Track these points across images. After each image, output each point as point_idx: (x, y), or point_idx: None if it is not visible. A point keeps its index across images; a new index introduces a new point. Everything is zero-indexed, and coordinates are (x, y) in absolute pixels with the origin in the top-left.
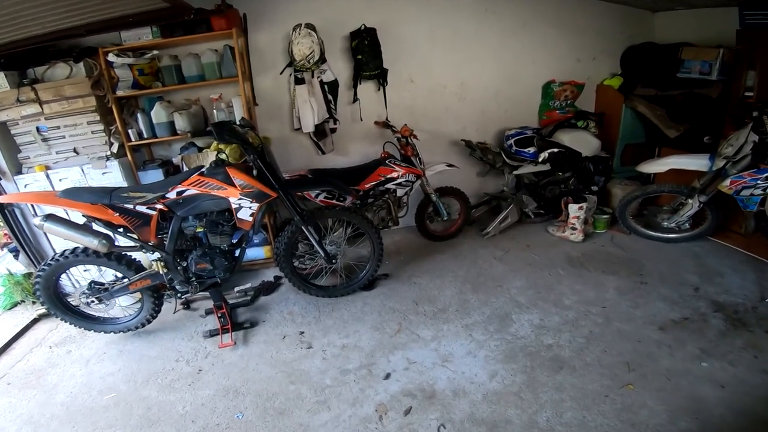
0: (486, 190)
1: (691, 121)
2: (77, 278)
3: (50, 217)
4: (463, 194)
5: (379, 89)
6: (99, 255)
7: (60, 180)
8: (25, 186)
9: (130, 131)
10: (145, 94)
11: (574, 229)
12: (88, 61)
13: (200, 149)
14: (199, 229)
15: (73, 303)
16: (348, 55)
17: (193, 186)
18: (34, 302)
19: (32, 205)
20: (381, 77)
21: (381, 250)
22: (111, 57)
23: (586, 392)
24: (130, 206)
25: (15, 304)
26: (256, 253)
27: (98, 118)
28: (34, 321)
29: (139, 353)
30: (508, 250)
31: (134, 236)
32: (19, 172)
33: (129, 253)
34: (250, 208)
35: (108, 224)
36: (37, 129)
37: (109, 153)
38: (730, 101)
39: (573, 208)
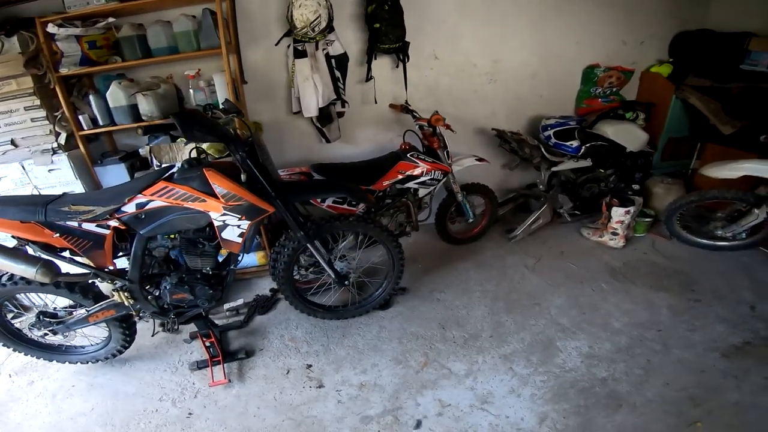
0: (509, 185)
1: (750, 117)
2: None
3: None
4: (491, 192)
5: (397, 66)
6: (42, 283)
7: None
8: None
9: (81, 118)
10: (98, 71)
11: (615, 234)
12: (24, 35)
13: (174, 138)
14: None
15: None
16: (360, 23)
17: (159, 196)
18: None
19: None
20: (401, 51)
21: (402, 265)
22: (51, 28)
23: None
24: (74, 224)
25: None
26: (247, 259)
27: (38, 102)
28: None
29: (114, 389)
30: (540, 257)
31: (83, 262)
32: None
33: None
34: (238, 226)
35: (46, 247)
36: None
37: (55, 145)
38: None
39: (618, 212)
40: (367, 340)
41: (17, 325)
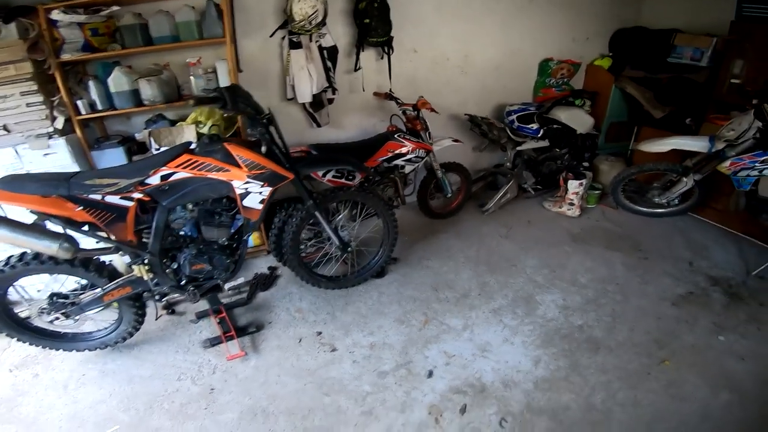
0: (479, 166)
1: (676, 103)
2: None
3: None
4: (465, 170)
5: (382, 58)
6: (58, 262)
7: None
8: None
9: (79, 102)
10: (99, 57)
11: (572, 204)
12: (22, 21)
13: (172, 122)
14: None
15: (28, 318)
16: (348, 18)
17: (183, 168)
18: None
19: None
20: (386, 45)
21: (396, 233)
22: (56, 15)
23: (629, 371)
24: (98, 197)
25: None
26: None
27: (36, 87)
28: None
29: (128, 373)
30: (511, 227)
31: (105, 235)
32: None
33: (98, 257)
34: (260, 193)
35: (68, 221)
36: None
37: (51, 129)
38: (716, 88)
39: (573, 184)
40: (369, 306)
41: (23, 313)
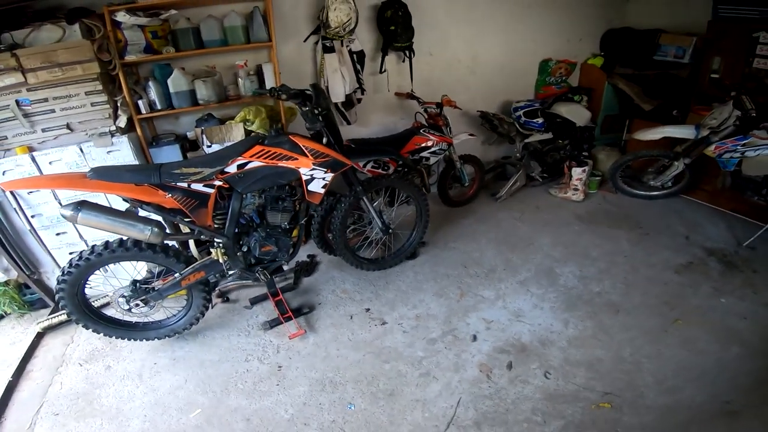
0: (488, 158)
1: (663, 97)
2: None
3: (85, 206)
4: (479, 161)
5: (403, 61)
6: (142, 248)
7: (50, 163)
8: (3, 173)
9: (140, 102)
10: (158, 59)
11: (576, 189)
12: (85, 22)
13: (220, 121)
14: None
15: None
16: (371, 25)
17: (257, 157)
18: (21, 315)
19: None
20: (408, 49)
21: (428, 217)
22: (121, 17)
23: (649, 329)
24: (184, 185)
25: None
26: None
27: (100, 87)
28: (39, 336)
29: (198, 359)
30: (523, 211)
31: (190, 221)
32: None
33: (174, 244)
34: (323, 179)
35: (158, 208)
36: (17, 102)
37: (114, 128)
38: (698, 82)
39: (577, 171)
40: (408, 284)
41: (100, 301)
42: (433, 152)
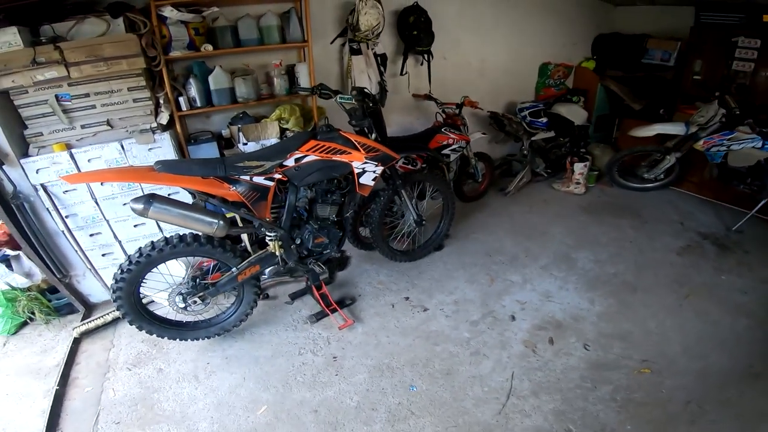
0: (494, 156)
1: (650, 97)
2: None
3: (155, 199)
4: (490, 158)
5: (421, 64)
6: (202, 243)
7: (89, 160)
8: (37, 172)
9: (180, 99)
10: (200, 56)
11: (578, 183)
12: (129, 16)
13: (256, 119)
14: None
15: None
16: (391, 30)
17: (313, 151)
18: (47, 321)
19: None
20: (427, 53)
21: (454, 209)
22: (168, 12)
23: (667, 305)
24: (247, 177)
25: (20, 326)
26: None
27: (143, 83)
28: (75, 342)
29: (251, 356)
30: (532, 205)
31: (251, 213)
32: (25, 154)
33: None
34: (374, 171)
35: (222, 201)
36: (56, 98)
37: (155, 125)
38: (682, 83)
39: (579, 166)
40: (440, 273)
41: (156, 298)
42: (453, 149)
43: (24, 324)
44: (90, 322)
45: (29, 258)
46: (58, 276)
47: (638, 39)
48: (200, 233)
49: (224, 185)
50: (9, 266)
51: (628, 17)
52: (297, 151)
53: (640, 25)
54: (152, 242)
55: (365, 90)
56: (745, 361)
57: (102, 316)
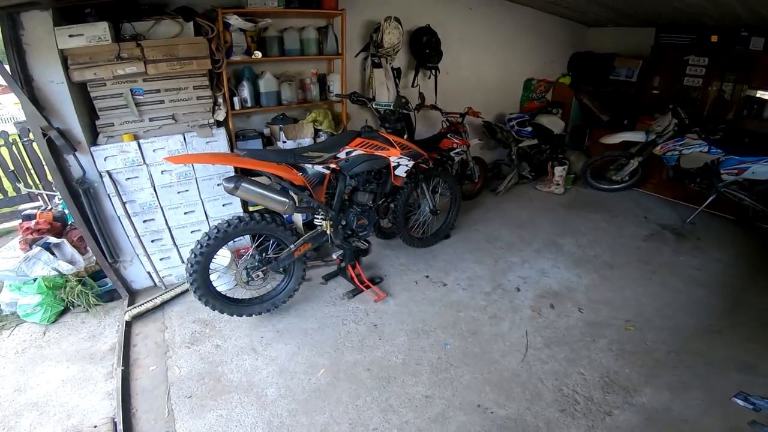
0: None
1: (616, 109)
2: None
3: (243, 180)
4: (484, 162)
5: (429, 77)
6: (268, 221)
7: (154, 150)
8: (105, 159)
9: (234, 99)
10: (253, 61)
11: (558, 184)
12: (198, 21)
13: (294, 120)
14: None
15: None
16: (404, 47)
17: (359, 147)
18: (88, 309)
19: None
20: (435, 68)
21: (460, 202)
22: (233, 20)
23: (638, 277)
24: (310, 166)
25: (60, 314)
26: None
27: (207, 82)
28: (127, 325)
29: (300, 328)
30: (520, 203)
31: (311, 196)
32: (94, 143)
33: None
34: (407, 165)
35: (291, 185)
36: (131, 92)
37: (212, 121)
38: (643, 97)
39: (559, 170)
40: (451, 256)
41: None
42: (457, 153)
43: (63, 312)
44: (141, 305)
45: (84, 242)
46: (110, 261)
47: (608, 57)
48: (273, 209)
49: (293, 171)
50: (52, 254)
51: (600, 37)
52: (347, 146)
53: (609, 45)
54: (227, 220)
55: (404, 98)
56: (705, 321)
57: (152, 300)
